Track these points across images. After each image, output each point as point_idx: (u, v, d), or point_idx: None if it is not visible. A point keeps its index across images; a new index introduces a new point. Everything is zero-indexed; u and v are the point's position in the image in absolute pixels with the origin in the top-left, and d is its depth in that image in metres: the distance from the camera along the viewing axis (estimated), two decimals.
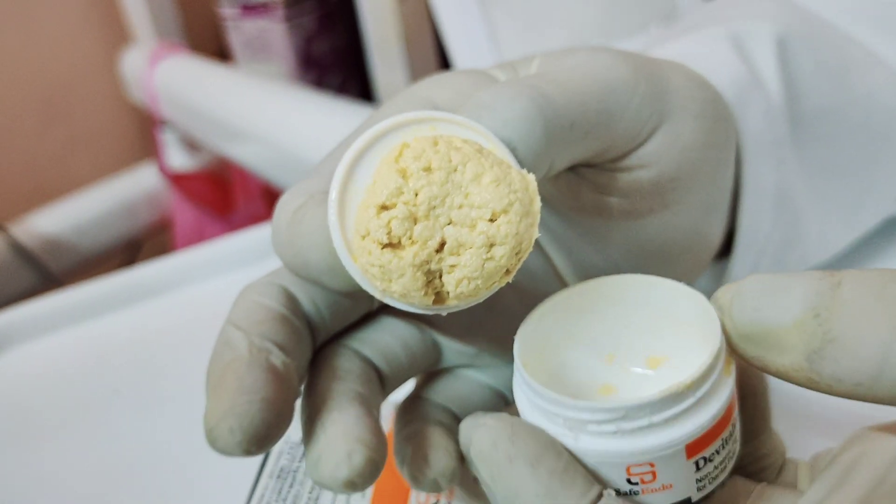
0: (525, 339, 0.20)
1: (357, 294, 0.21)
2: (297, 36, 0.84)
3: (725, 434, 0.18)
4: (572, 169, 0.24)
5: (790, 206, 0.30)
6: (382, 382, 0.22)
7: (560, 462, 0.18)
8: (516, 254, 0.18)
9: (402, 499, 0.27)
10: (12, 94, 0.96)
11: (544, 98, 0.20)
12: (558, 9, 0.61)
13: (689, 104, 0.24)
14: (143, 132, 1.06)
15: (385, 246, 0.17)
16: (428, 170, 0.18)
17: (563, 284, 0.26)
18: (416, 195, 0.17)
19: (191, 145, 0.96)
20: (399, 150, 0.18)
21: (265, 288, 0.21)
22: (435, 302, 0.18)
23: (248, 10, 0.84)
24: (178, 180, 0.96)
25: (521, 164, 0.19)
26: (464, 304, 0.18)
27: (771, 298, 0.17)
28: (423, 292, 0.18)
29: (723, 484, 0.19)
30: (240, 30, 0.86)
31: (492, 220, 0.17)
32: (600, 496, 0.17)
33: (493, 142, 0.19)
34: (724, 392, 0.18)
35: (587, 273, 0.26)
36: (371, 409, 0.20)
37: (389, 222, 0.17)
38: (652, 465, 0.17)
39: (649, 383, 0.21)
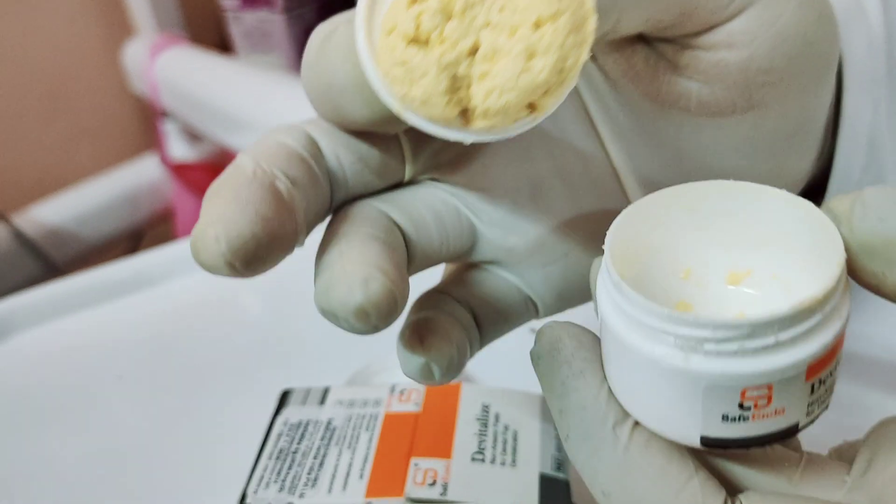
0: (612, 250, 0.18)
1: (394, 150, 0.20)
2: (297, 27, 0.84)
3: (839, 353, 0.17)
4: (649, 44, 0.21)
5: (879, 155, 0.28)
6: (410, 249, 0.20)
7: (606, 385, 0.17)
8: (558, 71, 0.15)
9: (400, 480, 0.28)
10: (15, 86, 0.96)
11: None
12: None
13: None
14: (144, 123, 1.06)
15: (411, 41, 0.16)
16: None
17: (620, 187, 0.24)
18: None
19: (192, 136, 0.96)
20: None
21: (289, 129, 0.20)
22: (461, 121, 0.16)
23: (248, 1, 0.84)
24: (179, 171, 0.97)
25: None
26: (491, 134, 0.16)
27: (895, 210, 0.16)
28: (446, 99, 0.16)
29: (827, 406, 0.17)
30: (240, 21, 0.86)
31: (535, 27, 0.15)
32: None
33: None
34: (845, 307, 0.16)
35: (648, 179, 0.23)
36: (395, 251, 0.19)
37: (420, 15, 0.15)
38: (769, 388, 0.16)
39: (728, 300, 0.19)
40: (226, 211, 0.16)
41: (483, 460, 0.28)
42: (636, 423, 0.18)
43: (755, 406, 0.16)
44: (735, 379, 0.16)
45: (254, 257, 0.16)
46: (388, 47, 0.16)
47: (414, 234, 0.20)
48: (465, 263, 0.23)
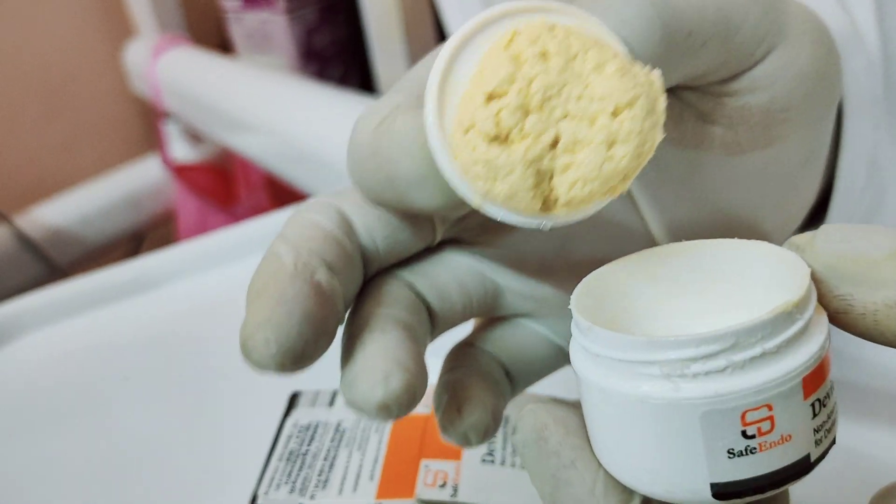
0: (578, 305, 0.17)
1: (435, 216, 0.20)
2: (299, 28, 0.84)
3: (831, 375, 0.16)
4: (674, 94, 0.22)
5: (879, 172, 0.28)
6: (433, 320, 0.21)
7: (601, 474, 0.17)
8: (638, 156, 0.16)
9: (410, 481, 0.28)
10: (16, 87, 0.96)
11: (663, 0, 0.18)
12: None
13: (807, 27, 0.22)
14: (146, 124, 1.06)
15: (492, 140, 0.15)
16: (544, 56, 0.16)
17: (645, 232, 0.24)
18: (531, 83, 0.15)
19: (194, 137, 0.96)
20: (510, 35, 0.16)
21: (321, 207, 0.20)
22: (542, 210, 0.16)
23: (250, 2, 0.84)
24: (181, 172, 0.97)
25: None
26: (571, 216, 0.17)
27: (859, 233, 0.16)
28: (531, 194, 0.16)
29: (833, 443, 0.17)
30: (241, 22, 0.87)
31: (614, 116, 0.15)
32: None
33: (611, 38, 0.17)
34: (824, 324, 0.16)
35: (673, 222, 0.24)
36: (416, 337, 0.19)
37: (499, 112, 0.15)
38: (770, 409, 0.15)
39: None
40: (274, 314, 0.17)
41: (493, 462, 0.28)
42: None
43: (759, 433, 0.15)
44: (731, 399, 0.15)
45: (302, 356, 0.17)
46: (467, 145, 0.16)
47: (438, 304, 0.21)
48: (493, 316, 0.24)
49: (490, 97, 0.16)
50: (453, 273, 0.21)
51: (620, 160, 0.16)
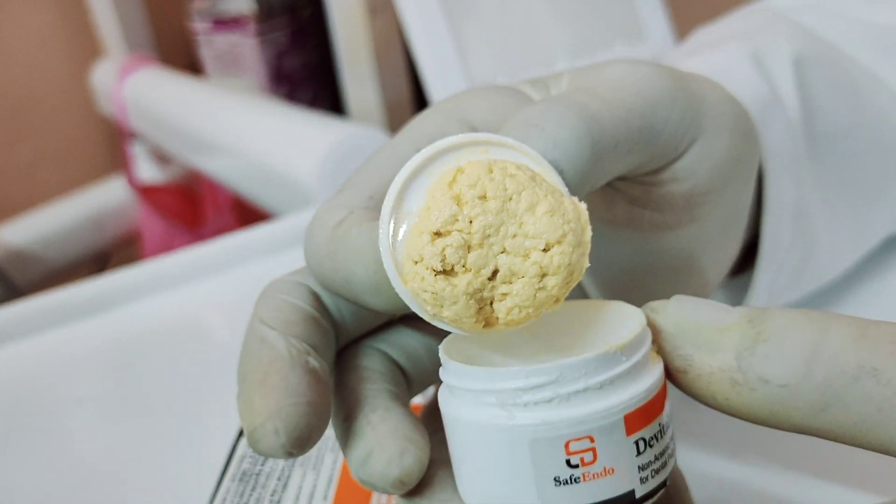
0: (454, 349, 0.19)
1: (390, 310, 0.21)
2: (269, 51, 0.84)
3: (663, 419, 0.18)
4: (608, 182, 0.24)
5: (807, 222, 0.30)
6: (409, 385, 0.22)
7: None
8: (567, 284, 0.18)
9: (364, 500, 0.27)
10: None
11: (592, 117, 0.20)
12: (527, 27, 0.62)
13: (723, 118, 0.24)
14: (112, 145, 1.05)
15: (438, 273, 0.17)
16: (483, 198, 0.18)
17: (583, 293, 0.26)
18: (471, 223, 0.17)
19: (160, 158, 0.95)
20: (453, 175, 0.18)
21: (292, 287, 0.21)
22: (484, 327, 0.18)
23: (220, 24, 0.84)
24: (147, 193, 0.96)
25: (568, 185, 0.19)
26: (511, 330, 0.19)
27: (709, 305, 0.18)
28: (474, 319, 0.18)
29: (665, 484, 0.18)
30: (211, 44, 0.86)
31: (545, 251, 0.17)
32: None
33: (543, 165, 0.19)
34: (656, 372, 0.18)
35: (606, 283, 0.26)
36: (407, 405, 0.20)
37: (444, 250, 0.17)
38: (592, 441, 0.17)
39: None
40: (282, 405, 0.18)
41: None
42: None
43: (582, 462, 0.17)
44: (555, 428, 0.17)
45: (307, 441, 0.18)
46: (416, 275, 0.18)
47: (411, 369, 0.22)
48: None
49: (436, 235, 0.17)
50: (419, 338, 0.22)
51: (552, 289, 0.18)
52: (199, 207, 0.94)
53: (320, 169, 0.60)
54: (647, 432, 0.17)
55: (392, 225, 0.18)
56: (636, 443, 0.17)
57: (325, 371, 0.19)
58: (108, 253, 1.00)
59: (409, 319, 0.23)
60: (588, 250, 0.18)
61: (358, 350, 0.22)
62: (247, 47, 0.84)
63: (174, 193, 0.95)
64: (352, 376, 0.21)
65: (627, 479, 0.17)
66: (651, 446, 0.17)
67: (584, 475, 0.17)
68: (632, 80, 0.22)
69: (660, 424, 0.18)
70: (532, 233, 0.17)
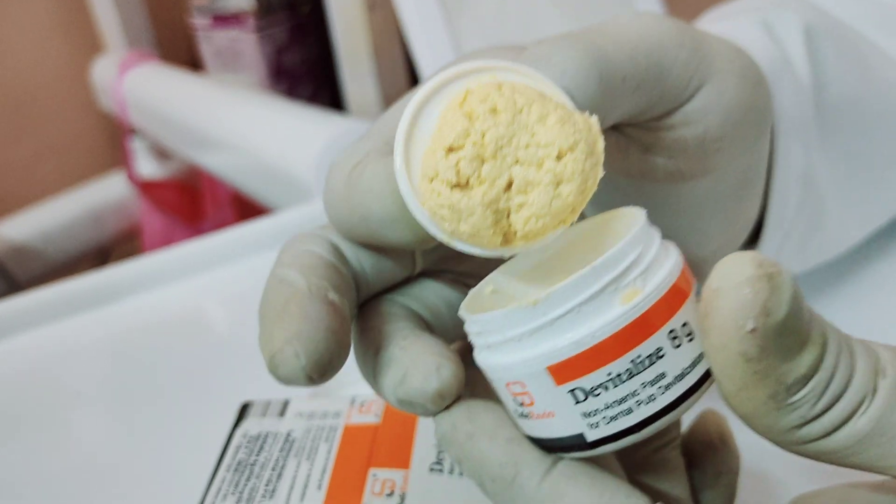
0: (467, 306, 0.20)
1: (407, 250, 0.21)
2: (269, 47, 0.84)
3: (618, 367, 0.17)
4: (618, 129, 0.24)
5: (815, 191, 0.30)
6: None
7: (516, 431, 0.18)
8: (582, 192, 0.18)
9: (358, 490, 0.28)
10: None
11: (599, 51, 0.21)
12: (524, 22, 0.62)
13: (731, 66, 0.24)
14: (112, 141, 1.06)
15: (454, 186, 0.18)
16: (494, 111, 0.18)
17: None
18: (483, 136, 0.18)
19: (160, 153, 0.96)
20: (464, 95, 0.18)
21: (313, 238, 0.21)
22: (503, 244, 0.18)
23: (220, 20, 0.85)
24: (147, 188, 0.96)
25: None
26: (529, 246, 0.19)
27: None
28: (491, 231, 0.18)
29: (633, 431, 0.17)
30: (211, 40, 0.87)
31: (558, 159, 0.18)
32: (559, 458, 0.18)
33: (553, 89, 0.19)
34: (608, 318, 0.17)
35: None
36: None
37: (458, 162, 0.17)
38: (524, 386, 0.17)
39: None
40: (302, 329, 0.18)
41: (441, 471, 0.28)
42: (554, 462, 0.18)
43: (524, 404, 0.18)
44: (493, 370, 0.18)
45: (328, 367, 0.18)
46: (432, 192, 0.18)
47: (434, 321, 0.22)
48: None
49: (449, 150, 0.18)
50: (441, 296, 0.23)
51: (567, 197, 0.18)
52: (198, 202, 0.94)
53: (318, 164, 0.61)
54: (585, 382, 0.17)
55: (405, 152, 0.18)
56: (572, 392, 0.17)
57: (346, 307, 0.20)
58: (109, 248, 1.01)
59: (429, 275, 0.23)
60: (601, 160, 0.18)
61: (379, 301, 0.22)
62: (246, 43, 0.84)
63: (174, 188, 0.95)
64: (377, 320, 0.21)
65: (571, 424, 0.17)
66: (597, 395, 0.17)
67: (531, 413, 0.18)
68: (637, 24, 0.23)
69: (611, 376, 0.17)
70: (544, 142, 0.18)
